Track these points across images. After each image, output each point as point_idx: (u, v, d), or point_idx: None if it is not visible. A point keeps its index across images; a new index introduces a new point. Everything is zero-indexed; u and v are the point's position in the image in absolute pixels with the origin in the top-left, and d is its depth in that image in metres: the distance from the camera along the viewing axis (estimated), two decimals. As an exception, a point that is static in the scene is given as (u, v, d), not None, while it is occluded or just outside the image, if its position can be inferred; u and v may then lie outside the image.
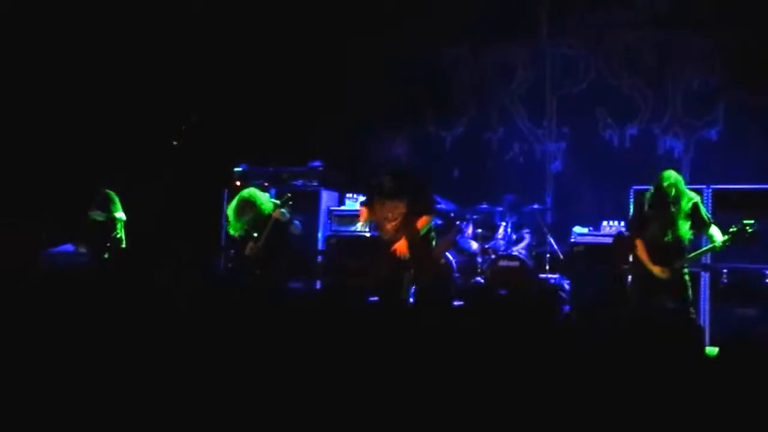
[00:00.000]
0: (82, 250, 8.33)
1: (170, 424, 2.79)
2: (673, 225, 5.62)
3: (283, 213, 6.76)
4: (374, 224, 6.66)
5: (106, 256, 8.22)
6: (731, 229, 5.56)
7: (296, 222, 6.93)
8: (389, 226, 6.24)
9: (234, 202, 6.85)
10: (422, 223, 6.18)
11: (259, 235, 6.78)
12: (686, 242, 5.71)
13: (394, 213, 6.25)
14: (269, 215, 6.77)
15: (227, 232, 7.31)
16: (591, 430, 2.64)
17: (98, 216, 8.29)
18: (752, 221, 5.50)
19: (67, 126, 9.54)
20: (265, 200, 6.88)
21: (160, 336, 3.39)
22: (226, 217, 7.11)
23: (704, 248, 5.80)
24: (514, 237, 8.39)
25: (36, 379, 2.91)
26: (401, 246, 6.12)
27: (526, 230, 8.49)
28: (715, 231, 5.68)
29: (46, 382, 2.89)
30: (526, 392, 2.77)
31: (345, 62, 9.84)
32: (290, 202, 6.85)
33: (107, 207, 8.33)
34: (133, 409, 2.80)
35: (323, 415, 2.78)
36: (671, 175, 5.73)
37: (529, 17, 9.46)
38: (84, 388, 2.88)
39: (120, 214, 8.38)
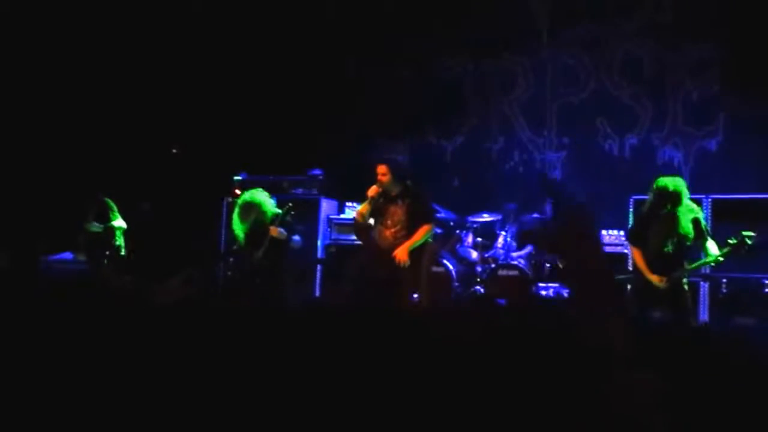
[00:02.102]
0: (81, 258, 8.33)
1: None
2: (675, 231, 5.57)
3: (281, 232, 6.69)
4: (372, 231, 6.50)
5: (105, 263, 8.22)
6: (730, 241, 5.50)
7: (295, 238, 6.85)
8: (388, 232, 6.16)
9: (240, 202, 6.86)
10: (422, 232, 6.08)
11: (259, 246, 6.74)
12: (688, 243, 5.62)
13: (393, 219, 6.16)
14: (270, 223, 6.74)
15: (227, 241, 7.31)
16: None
17: (95, 228, 8.29)
18: (751, 233, 5.44)
19: (67, 133, 9.55)
20: (270, 206, 6.83)
21: (157, 345, 3.39)
22: (230, 217, 7.09)
23: (703, 260, 5.73)
24: (514, 245, 8.38)
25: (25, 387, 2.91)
26: (401, 253, 6.03)
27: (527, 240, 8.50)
28: (711, 245, 5.65)
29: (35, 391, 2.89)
30: (521, 402, 2.76)
31: (345, 71, 9.87)
32: (292, 212, 6.80)
33: (105, 216, 8.32)
34: (126, 421, 2.80)
35: (321, 424, 2.78)
36: (677, 181, 5.71)
37: (530, 27, 9.48)
38: (76, 397, 2.88)
39: (119, 222, 8.37)
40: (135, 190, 8.84)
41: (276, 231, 6.65)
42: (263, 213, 6.73)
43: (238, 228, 6.77)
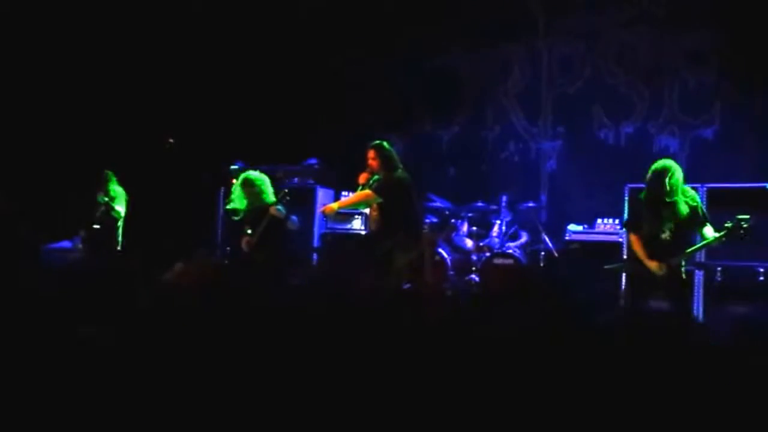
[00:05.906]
0: (79, 246, 8.31)
1: (166, 425, 2.79)
2: (672, 217, 5.55)
3: (279, 210, 6.78)
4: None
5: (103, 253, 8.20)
6: (726, 225, 5.48)
7: (293, 217, 6.94)
8: (373, 213, 6.36)
9: (240, 179, 6.95)
10: (358, 196, 6.26)
11: (254, 230, 6.81)
12: (686, 228, 5.61)
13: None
14: (266, 208, 6.80)
15: (223, 229, 7.34)
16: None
17: (102, 198, 8.23)
18: (747, 216, 5.43)
19: (63, 125, 9.53)
20: (269, 189, 6.93)
21: (155, 335, 3.39)
22: (229, 197, 7.17)
23: (700, 244, 5.71)
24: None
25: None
26: (327, 208, 6.48)
27: (523, 228, 8.52)
28: (708, 230, 5.63)
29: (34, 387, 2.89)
30: (518, 395, 2.77)
31: (342, 60, 9.85)
32: (288, 198, 6.87)
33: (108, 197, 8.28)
34: (129, 412, 2.80)
35: (320, 415, 2.79)
36: (666, 162, 5.62)
37: (526, 16, 9.47)
38: (80, 390, 2.89)
39: (120, 208, 8.33)
40: (131, 179, 8.82)
41: (275, 210, 6.75)
42: (262, 192, 6.84)
43: (240, 203, 6.87)
